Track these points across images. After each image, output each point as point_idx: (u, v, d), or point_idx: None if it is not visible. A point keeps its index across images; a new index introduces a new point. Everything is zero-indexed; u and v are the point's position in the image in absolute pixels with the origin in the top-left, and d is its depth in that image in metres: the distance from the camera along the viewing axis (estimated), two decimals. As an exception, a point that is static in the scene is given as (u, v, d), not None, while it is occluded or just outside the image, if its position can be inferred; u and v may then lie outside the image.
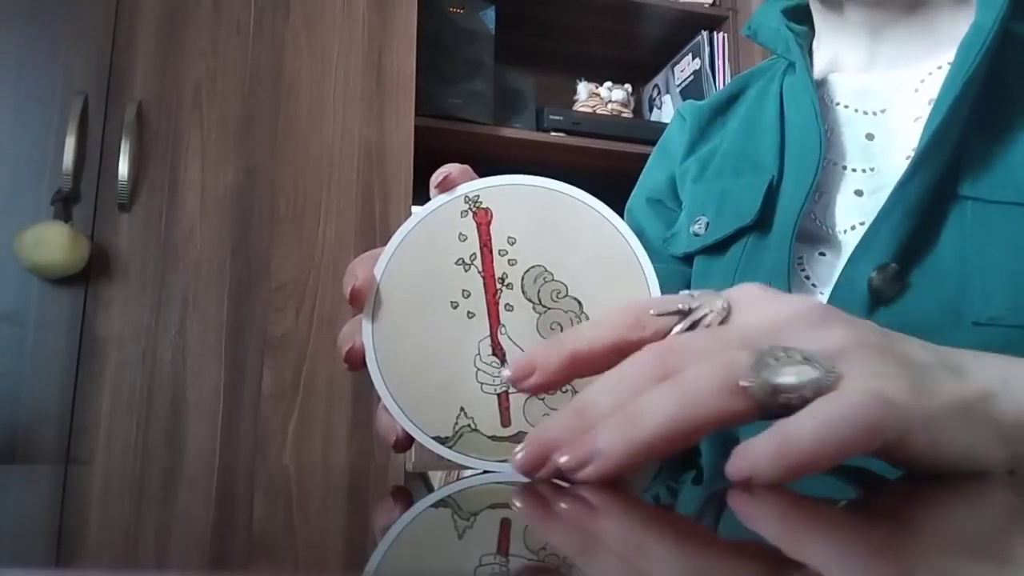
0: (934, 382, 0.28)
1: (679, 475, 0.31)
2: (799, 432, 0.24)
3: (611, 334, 0.28)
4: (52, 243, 1.20)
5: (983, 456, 0.29)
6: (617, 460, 0.25)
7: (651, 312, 0.28)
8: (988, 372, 0.30)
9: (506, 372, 0.28)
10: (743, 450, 0.25)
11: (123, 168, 1.27)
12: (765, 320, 0.27)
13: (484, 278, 0.32)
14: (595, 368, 0.29)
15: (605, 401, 0.26)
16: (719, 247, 0.55)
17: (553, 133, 1.71)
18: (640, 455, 0.25)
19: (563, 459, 0.25)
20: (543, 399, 0.31)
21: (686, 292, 0.29)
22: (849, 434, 0.24)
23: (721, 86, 1.67)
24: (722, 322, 0.28)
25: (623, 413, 0.25)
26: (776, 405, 0.25)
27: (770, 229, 0.52)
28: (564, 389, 0.31)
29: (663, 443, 0.25)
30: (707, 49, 1.85)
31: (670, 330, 0.28)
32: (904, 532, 0.20)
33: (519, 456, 0.26)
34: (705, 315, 0.28)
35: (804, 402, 0.25)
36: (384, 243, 0.33)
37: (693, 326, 0.28)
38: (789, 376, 0.25)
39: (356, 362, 0.33)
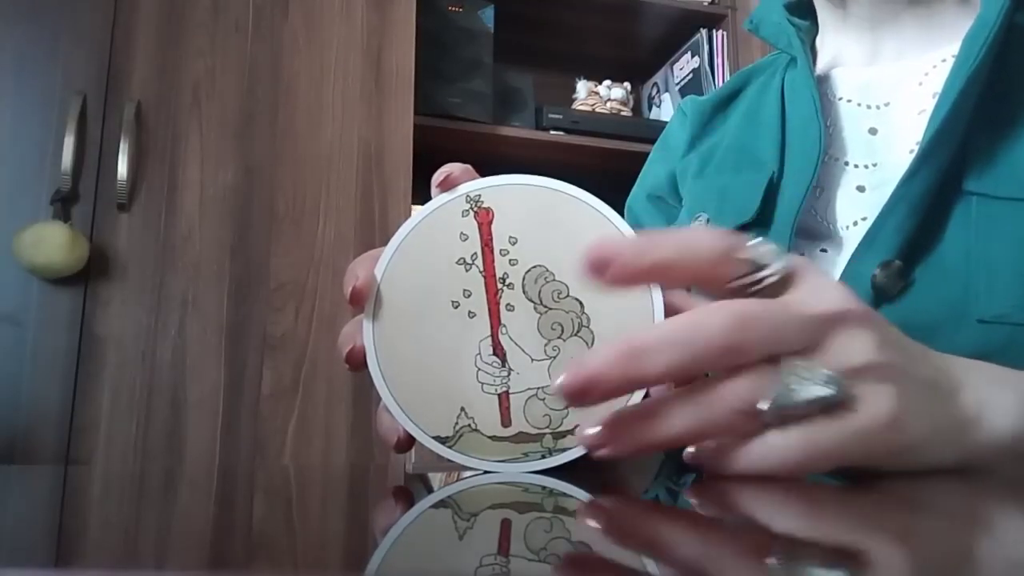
0: (929, 406, 0.29)
1: (679, 476, 0.31)
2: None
3: (696, 261, 0.29)
4: (51, 243, 1.19)
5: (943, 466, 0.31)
6: (626, 454, 0.27)
7: (738, 255, 0.29)
8: (983, 391, 0.32)
9: (591, 256, 0.27)
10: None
11: (122, 168, 1.27)
12: (820, 309, 0.28)
13: (485, 278, 0.32)
14: (666, 282, 0.31)
15: (661, 359, 0.26)
16: None
17: (552, 132, 1.71)
18: (648, 453, 0.28)
19: (588, 432, 0.27)
20: (543, 400, 0.31)
21: (757, 241, 0.30)
22: (848, 459, 0.27)
23: (720, 84, 1.67)
24: (779, 284, 0.29)
25: (647, 416, 0.27)
26: (781, 423, 0.27)
27: (770, 226, 0.51)
28: (564, 405, 0.31)
29: (673, 446, 0.28)
30: (706, 47, 1.85)
31: (737, 276, 0.29)
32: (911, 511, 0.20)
33: (559, 381, 0.26)
34: (770, 275, 0.29)
35: (808, 417, 0.27)
36: (384, 242, 0.33)
37: (754, 283, 0.29)
38: (800, 404, 0.27)
39: (357, 362, 0.33)
